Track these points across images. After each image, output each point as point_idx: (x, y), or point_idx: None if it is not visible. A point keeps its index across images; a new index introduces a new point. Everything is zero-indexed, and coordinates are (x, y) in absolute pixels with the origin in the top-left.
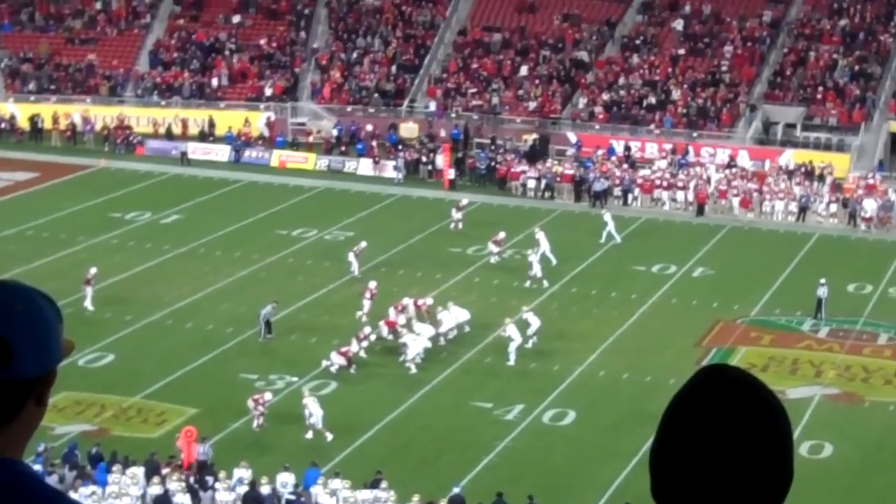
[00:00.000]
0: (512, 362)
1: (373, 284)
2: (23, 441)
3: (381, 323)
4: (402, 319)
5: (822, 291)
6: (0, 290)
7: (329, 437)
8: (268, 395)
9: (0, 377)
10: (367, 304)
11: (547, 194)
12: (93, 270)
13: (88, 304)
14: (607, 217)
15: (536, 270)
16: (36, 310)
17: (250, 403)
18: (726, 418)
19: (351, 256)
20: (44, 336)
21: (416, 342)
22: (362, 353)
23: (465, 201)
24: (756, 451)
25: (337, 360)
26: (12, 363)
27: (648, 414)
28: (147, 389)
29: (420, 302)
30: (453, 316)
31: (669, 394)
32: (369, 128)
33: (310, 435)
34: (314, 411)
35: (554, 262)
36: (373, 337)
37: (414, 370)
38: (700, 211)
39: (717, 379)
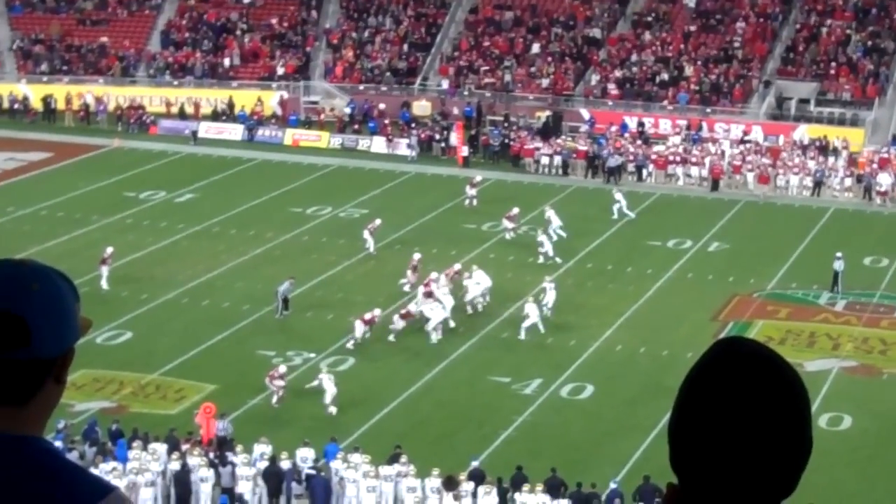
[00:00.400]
0: (522, 337)
1: (416, 256)
2: (43, 419)
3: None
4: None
5: (839, 265)
6: (17, 269)
7: (333, 410)
8: (282, 368)
9: (20, 357)
10: (410, 274)
11: (561, 171)
12: (109, 250)
13: (104, 283)
14: (618, 195)
15: (548, 249)
16: (53, 289)
17: (267, 381)
18: (744, 390)
19: (366, 234)
20: (61, 315)
21: (436, 311)
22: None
23: (478, 178)
24: (774, 422)
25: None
26: (31, 343)
27: (666, 388)
28: (165, 367)
29: (448, 271)
30: (477, 282)
31: (687, 367)
32: (382, 107)
33: (333, 410)
34: (328, 388)
35: (564, 236)
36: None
37: (435, 339)
38: (715, 186)
39: (734, 351)
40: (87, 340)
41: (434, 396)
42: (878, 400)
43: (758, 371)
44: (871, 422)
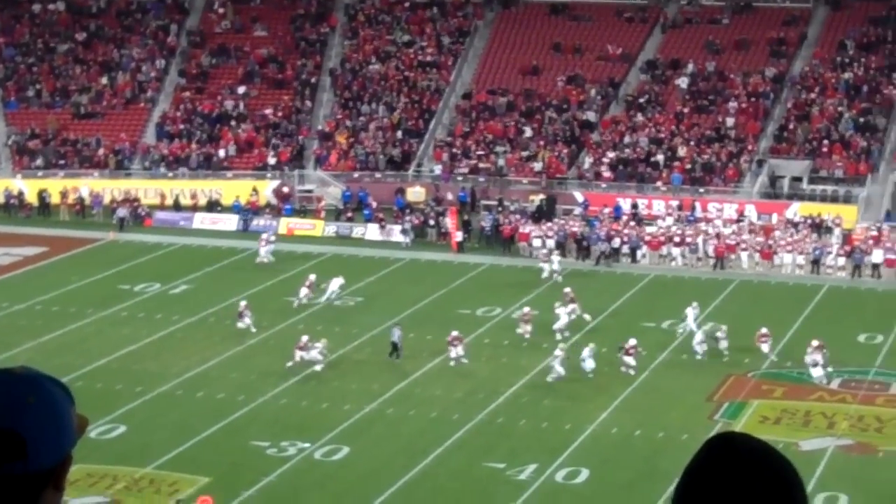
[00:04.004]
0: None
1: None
2: None
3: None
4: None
5: None
6: (11, 382)
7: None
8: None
9: (17, 471)
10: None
11: (550, 257)
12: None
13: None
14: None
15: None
16: (48, 399)
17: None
18: (740, 487)
19: (303, 291)
20: (58, 425)
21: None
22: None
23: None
24: None
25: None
26: (28, 456)
27: (661, 471)
28: (159, 460)
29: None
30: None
31: (682, 450)
32: (373, 203)
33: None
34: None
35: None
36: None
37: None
38: (719, 265)
39: (728, 449)
40: None
41: (429, 484)
42: (875, 479)
43: (753, 467)
44: (868, 501)
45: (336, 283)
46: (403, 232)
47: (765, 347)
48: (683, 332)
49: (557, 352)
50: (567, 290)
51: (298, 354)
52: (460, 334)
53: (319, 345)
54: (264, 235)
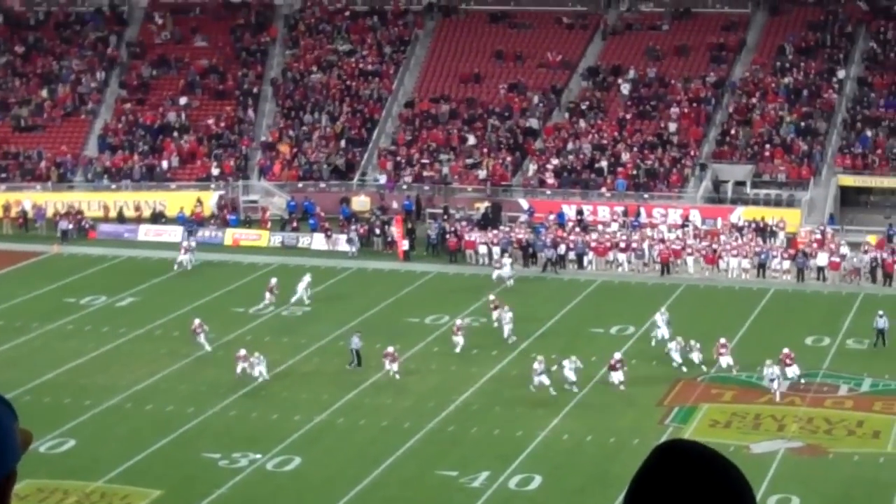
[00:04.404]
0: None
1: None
2: None
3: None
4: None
5: (883, 322)
6: None
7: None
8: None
9: None
10: (268, 296)
11: (501, 262)
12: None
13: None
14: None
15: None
16: None
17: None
18: (688, 496)
19: (268, 296)
20: (1, 441)
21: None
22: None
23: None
24: None
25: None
26: None
27: (613, 475)
28: (110, 473)
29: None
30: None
31: (633, 454)
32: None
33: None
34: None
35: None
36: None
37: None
38: (665, 270)
39: (676, 456)
40: (31, 450)
41: (381, 493)
42: (826, 480)
43: (701, 474)
44: (820, 502)
45: (304, 283)
46: (349, 241)
47: (723, 361)
48: (657, 339)
49: (536, 365)
50: (492, 296)
51: (240, 366)
52: (395, 351)
53: (261, 359)
54: (185, 243)
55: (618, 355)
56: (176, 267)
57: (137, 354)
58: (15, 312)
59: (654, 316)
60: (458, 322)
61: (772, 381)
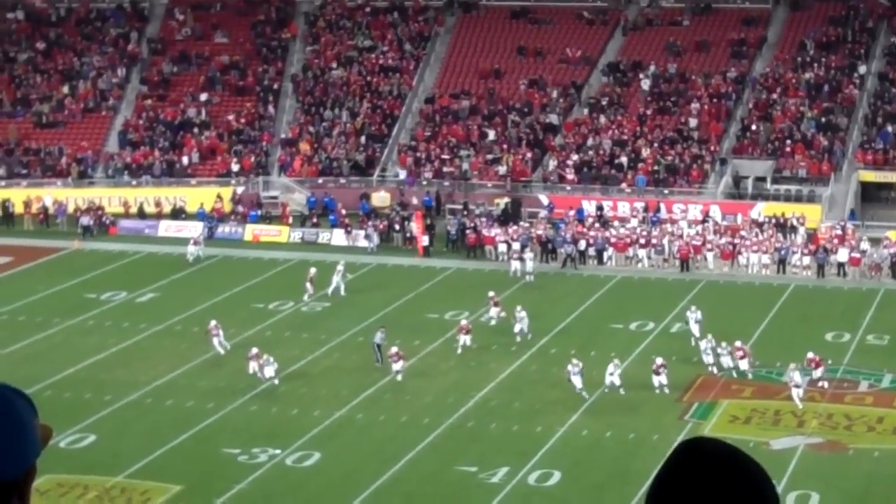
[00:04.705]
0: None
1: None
2: None
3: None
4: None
5: None
6: None
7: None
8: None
9: None
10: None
11: (522, 256)
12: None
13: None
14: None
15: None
16: (9, 411)
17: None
18: (711, 494)
19: (309, 287)
20: (19, 436)
21: None
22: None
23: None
24: None
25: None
26: None
27: (633, 472)
28: (130, 468)
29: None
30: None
31: (653, 451)
32: (342, 210)
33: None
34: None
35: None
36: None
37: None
38: (685, 267)
39: (698, 454)
40: (51, 445)
41: (400, 489)
42: (846, 476)
43: (723, 472)
44: (840, 499)
45: (339, 272)
46: (367, 237)
47: (743, 364)
48: (691, 335)
49: (570, 367)
50: (491, 293)
51: (251, 366)
52: (401, 350)
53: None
54: (194, 235)
55: (660, 360)
56: (190, 258)
57: (157, 350)
58: (36, 308)
59: (686, 313)
60: (464, 323)
61: (797, 386)
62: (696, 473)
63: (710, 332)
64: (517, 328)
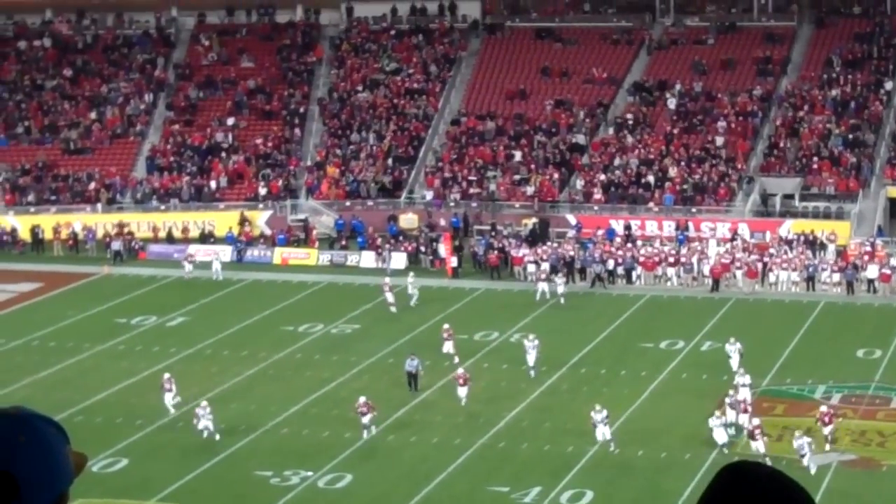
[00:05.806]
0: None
1: (445, 326)
2: None
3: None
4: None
5: None
6: (1, 423)
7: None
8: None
9: None
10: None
11: (551, 276)
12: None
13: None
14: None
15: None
16: (40, 438)
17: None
18: None
19: (389, 297)
20: (50, 464)
21: None
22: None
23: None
24: None
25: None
26: (22, 498)
27: (665, 491)
28: (162, 492)
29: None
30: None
31: (685, 469)
32: (374, 234)
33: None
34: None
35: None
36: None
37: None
38: (715, 286)
39: (743, 477)
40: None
41: None
42: (879, 492)
43: (768, 494)
44: None
45: (411, 282)
46: (383, 259)
47: (826, 430)
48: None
49: (594, 414)
50: (446, 325)
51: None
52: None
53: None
54: (191, 252)
55: (756, 421)
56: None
57: (188, 374)
58: (67, 333)
59: (726, 346)
60: (461, 371)
61: (802, 455)
62: (741, 497)
63: (744, 368)
64: (529, 360)
